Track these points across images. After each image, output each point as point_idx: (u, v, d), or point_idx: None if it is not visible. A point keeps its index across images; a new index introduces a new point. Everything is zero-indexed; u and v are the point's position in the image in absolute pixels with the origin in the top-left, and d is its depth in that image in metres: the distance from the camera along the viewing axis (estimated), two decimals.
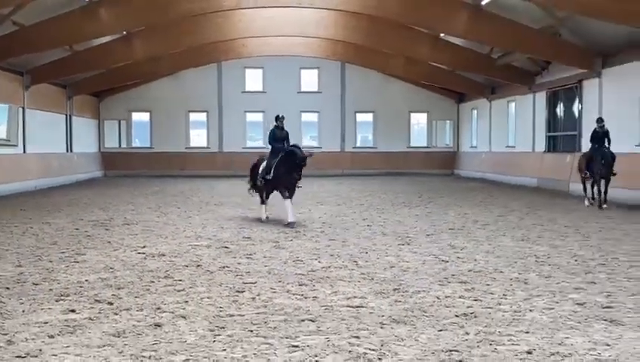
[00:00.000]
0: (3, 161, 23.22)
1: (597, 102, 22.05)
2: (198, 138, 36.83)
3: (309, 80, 36.86)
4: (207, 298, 7.01)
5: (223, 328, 5.82)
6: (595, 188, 17.31)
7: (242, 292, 7.31)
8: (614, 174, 16.58)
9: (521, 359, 5.01)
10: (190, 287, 7.54)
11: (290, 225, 13.14)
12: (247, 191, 15.42)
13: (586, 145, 18.80)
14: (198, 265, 8.96)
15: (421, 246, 10.85)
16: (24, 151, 25.07)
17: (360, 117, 37.25)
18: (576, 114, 24.05)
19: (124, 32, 25.36)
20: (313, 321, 6.07)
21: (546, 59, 25.01)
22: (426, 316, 6.29)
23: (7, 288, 7.51)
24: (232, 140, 36.28)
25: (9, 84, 24.35)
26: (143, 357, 5.02)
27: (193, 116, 36.70)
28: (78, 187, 26.43)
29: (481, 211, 16.66)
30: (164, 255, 9.85)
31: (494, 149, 31.83)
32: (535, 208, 17.46)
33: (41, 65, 25.46)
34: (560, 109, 25.73)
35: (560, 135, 25.67)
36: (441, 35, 25.76)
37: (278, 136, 14.27)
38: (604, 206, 16.63)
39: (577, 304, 6.80)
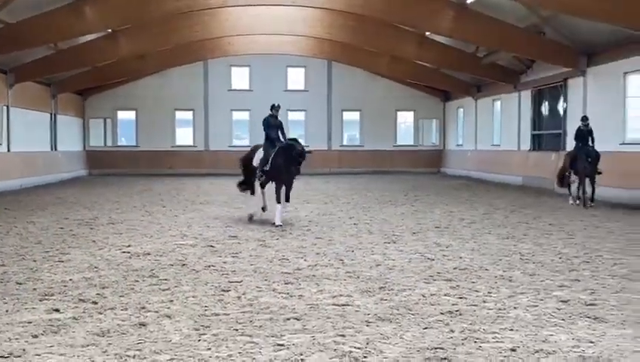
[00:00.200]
0: None
1: (581, 101, 22.18)
2: (185, 136, 36.67)
3: (296, 78, 36.81)
4: (193, 297, 6.99)
5: (208, 327, 5.80)
6: (581, 187, 17.35)
7: (228, 291, 7.29)
8: (600, 173, 16.67)
9: (505, 356, 5.03)
10: (175, 286, 7.52)
11: (277, 226, 12.93)
12: (238, 187, 14.99)
13: (570, 143, 18.89)
14: (184, 264, 8.93)
15: (407, 244, 10.88)
16: (8, 150, 24.87)
17: (347, 115, 37.26)
18: (561, 112, 24.18)
19: (110, 30, 25.20)
20: (299, 320, 6.06)
21: (531, 58, 25.12)
22: (412, 314, 6.30)
23: None
24: (219, 139, 36.17)
25: None
26: (128, 356, 4.99)
27: (179, 114, 36.54)
28: (63, 186, 26.25)
29: (467, 209, 16.73)
30: (149, 254, 9.81)
31: (480, 148, 31.95)
32: (520, 206, 17.55)
33: (26, 63, 25.25)
34: (545, 108, 25.85)
35: (545, 133, 25.80)
36: (427, 33, 25.82)
37: (272, 123, 13.98)
38: (591, 204, 16.66)
39: (561, 301, 6.85)
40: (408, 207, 17.49)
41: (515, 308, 6.56)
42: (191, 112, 36.44)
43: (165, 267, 8.74)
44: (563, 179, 18.00)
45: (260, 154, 13.89)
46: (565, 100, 23.81)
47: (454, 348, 5.21)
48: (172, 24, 25.23)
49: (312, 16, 25.69)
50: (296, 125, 36.74)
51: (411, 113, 37.67)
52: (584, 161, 16.72)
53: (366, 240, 11.36)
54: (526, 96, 26.92)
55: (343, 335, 5.55)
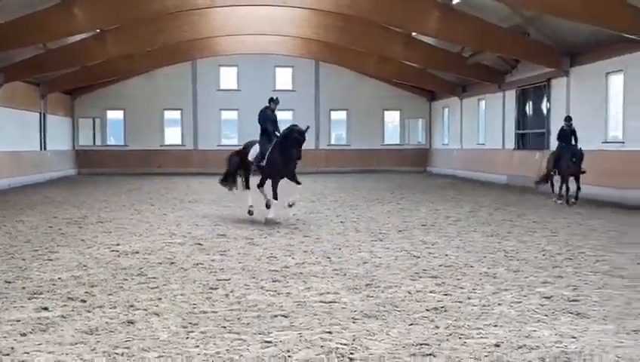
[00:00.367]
0: None
1: (564, 101, 22.29)
2: (173, 136, 36.55)
3: (284, 78, 36.75)
4: (181, 295, 6.97)
5: (196, 325, 5.79)
6: (564, 186, 17.40)
7: (216, 289, 7.28)
8: (584, 172, 16.73)
9: (489, 352, 5.05)
10: (164, 284, 7.50)
11: (268, 221, 12.98)
12: (222, 184, 14.80)
13: (554, 142, 18.98)
14: (172, 263, 8.91)
15: (393, 242, 10.90)
16: None
17: (334, 115, 37.28)
18: (545, 112, 24.29)
19: (99, 30, 25.08)
20: (286, 317, 6.07)
21: (515, 58, 25.20)
22: (398, 310, 6.32)
23: None
24: (207, 138, 36.06)
25: None
26: (116, 354, 4.98)
27: (168, 114, 36.40)
28: (52, 185, 26.11)
29: (452, 207, 16.78)
30: (137, 252, 9.77)
31: (465, 147, 32.04)
32: (504, 204, 17.62)
33: (15, 62, 25.03)
34: (529, 107, 25.96)
35: (529, 133, 25.92)
36: (413, 34, 25.86)
37: (268, 116, 13.70)
38: (575, 202, 16.67)
39: (544, 297, 6.88)
40: (394, 205, 17.53)
41: (499, 304, 6.59)
42: (179, 112, 36.31)
43: (154, 265, 8.71)
44: (547, 180, 18.04)
45: (255, 149, 13.60)
46: (549, 100, 23.92)
47: (439, 344, 5.23)
48: (160, 24, 25.13)
49: (299, 17, 25.67)
50: (284, 125, 36.65)
51: (398, 113, 37.71)
52: (568, 160, 16.74)
53: (353, 238, 11.38)
54: (510, 95, 27.01)
55: (329, 332, 5.56)
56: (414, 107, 37.50)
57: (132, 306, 6.46)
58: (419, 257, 9.37)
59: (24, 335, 5.47)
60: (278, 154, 13.02)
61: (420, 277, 7.97)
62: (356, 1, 21.36)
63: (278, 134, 13.46)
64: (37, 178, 27.53)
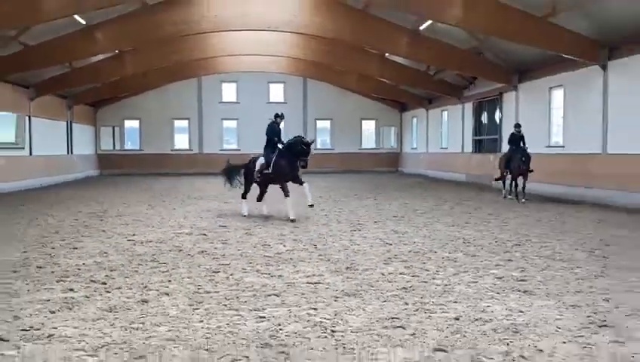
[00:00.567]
0: (12, 162, 22.78)
1: (514, 111, 22.42)
2: (182, 141, 36.43)
3: (276, 92, 36.70)
4: (188, 277, 6.94)
5: (201, 303, 5.78)
6: (513, 183, 17.47)
7: (218, 272, 7.25)
8: (531, 171, 16.83)
9: (450, 324, 5.07)
10: (173, 269, 7.46)
11: (292, 221, 12.14)
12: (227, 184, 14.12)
13: (505, 146, 19.08)
14: (180, 250, 8.87)
15: (370, 231, 10.91)
16: (30, 154, 24.55)
17: (319, 123, 37.22)
18: (498, 121, 24.42)
19: (117, 51, 24.96)
20: (278, 296, 6.06)
21: (473, 75, 25.31)
22: (373, 290, 6.32)
23: (15, 271, 7.33)
24: (211, 143, 36.01)
25: (17, 96, 23.81)
26: (132, 328, 4.96)
27: (177, 123, 36.24)
28: (77, 184, 25.94)
29: (420, 202, 16.82)
30: (151, 241, 9.73)
31: (431, 150, 32.14)
32: (464, 199, 17.69)
33: (45, 79, 24.94)
34: (484, 117, 26.07)
35: (484, 138, 26.04)
36: (387, 55, 25.89)
37: (275, 129, 12.95)
38: (523, 200, 16.64)
39: (497, 278, 6.92)
40: (371, 200, 17.54)
41: (458, 284, 6.62)
42: (187, 121, 36.18)
43: (165, 252, 8.67)
44: (502, 178, 18.12)
45: (261, 160, 12.93)
46: (501, 111, 24.04)
47: (408, 318, 5.25)
48: (171, 46, 25.04)
49: (290, 40, 25.65)
50: None
51: (374, 121, 37.72)
52: (518, 161, 16.81)
53: (335, 228, 11.37)
54: (468, 107, 27.12)
55: (315, 309, 5.56)
56: (388, 117, 37.58)
57: (146, 287, 6.43)
58: (391, 244, 9.39)
59: (53, 312, 5.44)
60: (283, 161, 12.44)
61: (392, 261, 7.99)
62: (338, 26, 21.34)
63: (281, 146, 12.73)
64: (65, 178, 27.49)
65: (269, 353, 4.35)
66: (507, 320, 5.20)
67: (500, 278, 6.89)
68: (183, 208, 15.30)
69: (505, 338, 4.68)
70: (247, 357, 4.28)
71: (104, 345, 4.54)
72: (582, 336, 4.75)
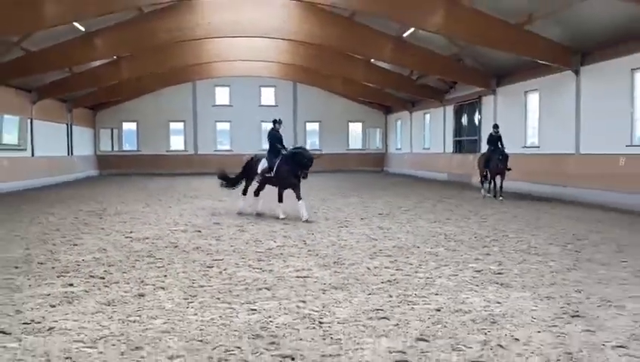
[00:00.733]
0: (15, 162, 22.57)
1: (492, 114, 22.52)
2: (177, 143, 36.25)
3: (268, 96, 36.60)
4: (183, 272, 6.92)
5: (195, 296, 5.76)
6: (492, 182, 17.52)
7: (211, 267, 7.24)
8: (509, 169, 16.89)
9: (431, 315, 5.10)
10: (169, 264, 7.43)
11: (307, 221, 11.72)
12: (224, 186, 13.85)
13: (484, 147, 19.16)
14: (176, 246, 8.84)
15: (356, 228, 10.92)
16: (32, 155, 24.34)
17: (309, 126, 37.16)
18: (477, 123, 24.52)
19: (115, 57, 24.80)
20: (269, 289, 6.05)
21: (453, 80, 25.39)
22: (359, 283, 6.34)
23: (17, 267, 7.28)
24: (205, 145, 35.90)
25: (19, 100, 23.60)
26: (129, 321, 4.94)
27: (173, 125, 36.02)
28: (77, 184, 25.74)
29: (404, 200, 16.85)
30: (147, 238, 9.68)
31: (414, 151, 32.20)
32: (445, 197, 17.75)
33: (46, 84, 24.74)
34: (464, 119, 26.15)
35: (464, 139, 26.14)
36: (372, 60, 25.92)
37: (275, 135, 12.76)
38: (501, 198, 16.67)
39: (476, 271, 6.95)
40: (357, 198, 17.56)
41: (439, 277, 6.65)
42: (182, 123, 35.99)
43: (161, 248, 8.64)
44: (482, 176, 18.15)
45: (263, 163, 12.69)
46: (480, 113, 24.16)
47: (392, 309, 5.27)
48: (166, 52, 24.93)
49: (280, 46, 25.60)
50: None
51: (360, 124, 37.71)
52: (496, 161, 16.85)
53: (323, 225, 11.37)
54: (450, 110, 27.21)
55: (304, 301, 5.56)
56: (374, 119, 37.60)
57: (142, 282, 6.41)
58: (376, 240, 9.41)
59: (53, 306, 5.41)
60: (286, 168, 12.19)
61: (377, 256, 8.00)
62: (326, 33, 21.34)
63: (285, 152, 12.44)
64: (65, 178, 27.26)
65: (260, 344, 4.35)
66: (485, 311, 5.23)
67: (479, 271, 6.92)
68: (179, 206, 15.23)
69: (483, 328, 4.71)
70: (239, 347, 4.28)
71: (102, 337, 4.52)
72: (555, 326, 4.79)
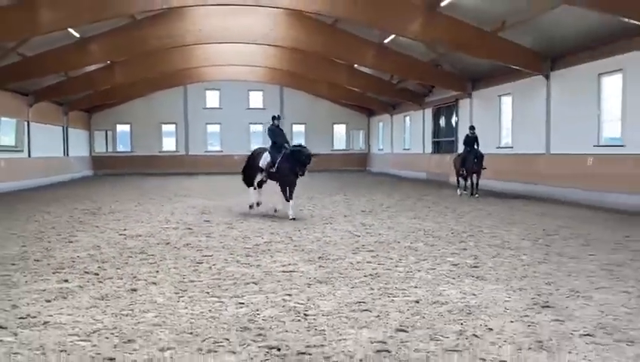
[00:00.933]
0: (12, 163, 22.29)
1: (469, 116, 22.65)
2: (169, 144, 36.03)
3: (256, 99, 36.50)
4: (174, 268, 6.86)
5: (186, 291, 5.71)
6: (468, 181, 17.57)
7: (201, 263, 7.18)
8: (484, 169, 16.97)
9: (411, 307, 5.10)
10: (160, 260, 7.37)
11: (292, 219, 11.52)
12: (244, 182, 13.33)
13: (461, 147, 19.26)
14: (167, 243, 8.76)
15: (340, 224, 10.91)
16: (29, 156, 24.06)
17: (295, 127, 37.01)
18: (454, 125, 24.65)
19: (109, 62, 24.58)
20: (256, 284, 6.02)
21: (432, 84, 25.50)
22: (342, 277, 6.33)
23: (13, 264, 7.17)
24: (196, 146, 35.75)
25: (16, 103, 23.31)
26: (122, 314, 4.88)
27: (165, 127, 35.81)
28: (73, 184, 25.47)
29: (385, 198, 16.87)
30: (140, 235, 9.59)
31: (395, 151, 32.30)
32: (424, 195, 17.82)
33: (42, 87, 24.46)
34: (442, 121, 26.30)
35: (442, 140, 26.27)
36: (355, 65, 25.95)
37: (276, 132, 12.34)
38: (476, 195, 16.78)
39: (453, 265, 6.98)
40: (341, 196, 17.57)
41: (418, 270, 6.66)
42: (174, 125, 35.80)
43: (153, 245, 8.56)
44: (458, 175, 18.23)
45: (266, 157, 12.31)
46: (457, 115, 24.28)
47: (373, 302, 5.27)
48: (158, 57, 24.77)
49: (268, 52, 25.55)
50: (256, 136, 36.57)
51: (344, 125, 37.75)
52: (472, 160, 16.87)
53: (309, 221, 11.35)
54: (428, 112, 27.32)
55: (289, 295, 5.54)
56: (357, 121, 37.66)
57: (135, 277, 6.34)
58: (359, 236, 9.40)
59: (49, 301, 5.33)
60: (287, 165, 11.83)
61: (360, 251, 8.00)
62: (311, 40, 21.35)
63: (288, 146, 12.10)
64: (61, 178, 26.97)
65: (247, 335, 4.33)
66: (461, 302, 5.25)
67: (456, 265, 6.95)
68: (171, 205, 15.12)
69: (459, 319, 4.73)
70: (227, 339, 4.25)
71: (96, 330, 4.47)
72: (527, 316, 4.82)
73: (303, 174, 11.80)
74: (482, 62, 19.32)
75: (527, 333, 4.37)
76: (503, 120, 20.60)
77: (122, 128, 35.50)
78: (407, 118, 30.46)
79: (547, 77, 17.23)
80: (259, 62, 27.26)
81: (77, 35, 19.72)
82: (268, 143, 12.81)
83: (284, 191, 12.01)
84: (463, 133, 20.92)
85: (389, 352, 3.97)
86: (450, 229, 10.15)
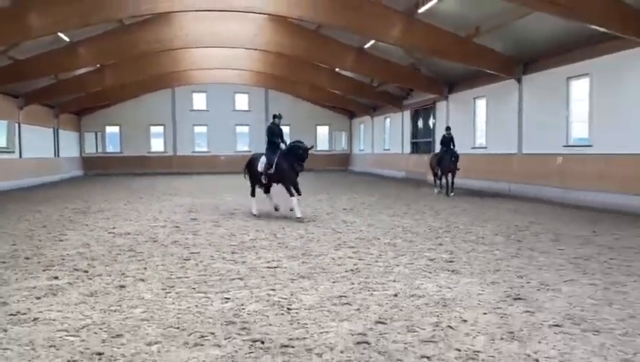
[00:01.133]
0: (3, 164, 21.92)
1: (445, 118, 22.80)
2: (157, 145, 35.70)
3: (242, 101, 36.33)
4: (161, 265, 6.80)
5: (173, 287, 5.67)
6: (444, 180, 17.62)
7: (188, 260, 7.13)
8: (458, 169, 17.05)
9: (389, 300, 5.12)
10: (148, 257, 7.29)
11: (299, 219, 11.02)
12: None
13: (438, 147, 19.37)
14: (155, 241, 8.68)
15: (323, 221, 10.91)
16: (20, 157, 23.66)
17: None
18: (431, 126, 24.79)
19: (98, 65, 24.27)
20: (241, 279, 5.99)
21: (410, 88, 25.63)
22: (325, 272, 6.33)
23: (4, 262, 7.04)
24: (184, 146, 35.48)
25: (7, 105, 22.91)
26: (111, 310, 4.83)
27: (153, 128, 35.47)
28: (63, 184, 25.12)
29: (366, 196, 16.91)
30: (129, 233, 9.49)
31: (375, 152, 32.40)
32: (403, 193, 17.89)
33: (33, 90, 24.08)
34: (420, 123, 26.44)
35: (420, 141, 26.40)
36: (337, 69, 25.97)
37: (274, 130, 11.73)
38: (452, 194, 16.83)
39: (429, 260, 7.01)
40: (324, 195, 17.55)
41: (397, 265, 6.68)
42: (162, 127, 35.48)
43: (141, 243, 8.47)
44: (435, 174, 18.30)
45: (263, 160, 11.79)
46: (434, 117, 24.42)
47: (354, 296, 5.28)
48: (147, 61, 24.54)
49: (253, 56, 25.46)
50: (242, 137, 36.46)
51: (327, 127, 37.77)
52: (448, 160, 16.88)
53: (293, 219, 11.27)
54: (407, 114, 27.44)
55: (273, 290, 5.53)
56: (339, 123, 37.69)
57: (124, 274, 6.27)
58: (341, 233, 9.41)
59: (38, 298, 5.25)
60: (285, 164, 11.31)
61: (342, 247, 8.00)
62: (294, 45, 21.31)
63: (284, 146, 11.59)
64: (52, 178, 26.63)
65: (232, 329, 4.31)
66: (437, 295, 5.28)
67: (432, 260, 6.99)
68: (159, 204, 14.99)
69: (435, 311, 4.76)
70: (213, 333, 4.23)
71: (85, 326, 4.41)
72: (500, 308, 4.86)
73: (302, 170, 11.32)
74: (458, 66, 19.46)
75: (499, 324, 4.41)
76: (478, 121, 20.77)
77: (112, 130, 35.10)
78: (387, 120, 30.57)
79: (519, 80, 17.41)
80: (244, 66, 27.15)
81: (67, 39, 19.45)
82: (260, 143, 12.60)
83: (288, 189, 11.45)
84: (439, 134, 21.06)
85: (368, 344, 3.98)
86: (427, 226, 10.19)
